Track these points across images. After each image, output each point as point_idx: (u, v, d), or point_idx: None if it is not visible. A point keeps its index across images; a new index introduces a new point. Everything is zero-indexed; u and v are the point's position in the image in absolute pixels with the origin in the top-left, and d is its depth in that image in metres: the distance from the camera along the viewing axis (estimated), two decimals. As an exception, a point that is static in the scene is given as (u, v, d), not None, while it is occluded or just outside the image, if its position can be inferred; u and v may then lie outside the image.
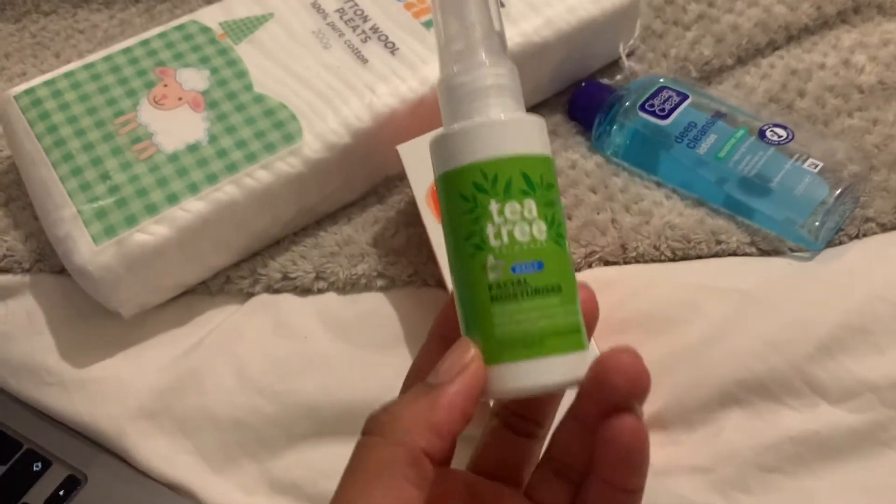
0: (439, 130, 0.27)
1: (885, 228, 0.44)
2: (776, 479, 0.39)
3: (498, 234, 0.26)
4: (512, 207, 0.26)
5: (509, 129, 0.27)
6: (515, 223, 0.26)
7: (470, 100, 0.27)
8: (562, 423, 0.28)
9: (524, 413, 0.30)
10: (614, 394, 0.25)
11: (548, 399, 0.30)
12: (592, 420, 0.25)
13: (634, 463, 0.25)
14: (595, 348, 0.26)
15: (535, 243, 0.26)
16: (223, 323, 0.44)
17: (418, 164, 0.43)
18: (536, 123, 0.27)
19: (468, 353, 0.25)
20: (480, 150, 0.26)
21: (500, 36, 0.28)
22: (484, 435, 0.30)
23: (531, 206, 0.26)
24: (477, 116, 0.27)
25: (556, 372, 0.26)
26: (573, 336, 0.26)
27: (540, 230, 0.26)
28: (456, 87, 0.27)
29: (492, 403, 0.31)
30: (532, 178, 0.26)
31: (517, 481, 0.29)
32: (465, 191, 0.26)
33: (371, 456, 0.24)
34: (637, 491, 0.26)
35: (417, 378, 0.27)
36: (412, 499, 0.23)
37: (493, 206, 0.26)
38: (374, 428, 0.24)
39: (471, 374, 0.25)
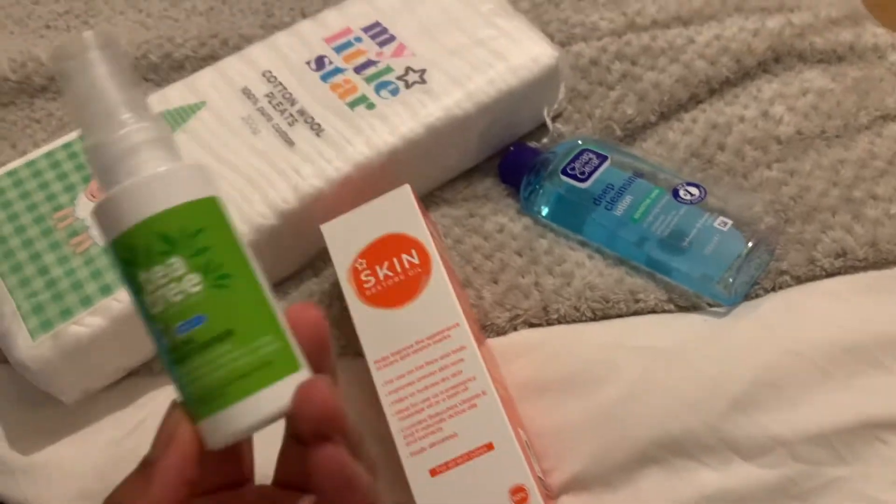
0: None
1: (799, 281, 0.46)
2: (692, 536, 0.40)
3: (154, 303, 0.26)
4: (156, 272, 0.26)
5: (139, 191, 0.26)
6: (165, 286, 0.26)
7: (109, 167, 0.26)
8: (284, 443, 0.29)
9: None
10: (306, 426, 0.26)
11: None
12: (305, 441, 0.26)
13: (336, 487, 0.26)
14: (307, 370, 0.27)
15: (189, 299, 0.26)
16: (165, 402, 0.46)
17: (341, 241, 0.45)
18: (176, 171, 0.27)
19: (171, 421, 0.26)
20: (120, 223, 0.26)
21: (139, 89, 0.28)
22: (281, 448, 0.31)
23: (176, 263, 0.26)
24: (114, 185, 0.26)
25: (250, 414, 0.26)
26: (262, 371, 0.26)
27: (192, 283, 0.26)
28: (95, 157, 0.27)
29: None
30: (170, 235, 0.26)
31: (242, 480, 0.30)
32: (120, 267, 0.26)
33: None
34: None
35: None
36: None
37: (142, 277, 0.26)
38: None
39: (179, 440, 0.26)
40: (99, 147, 0.27)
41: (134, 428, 0.45)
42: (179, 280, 0.26)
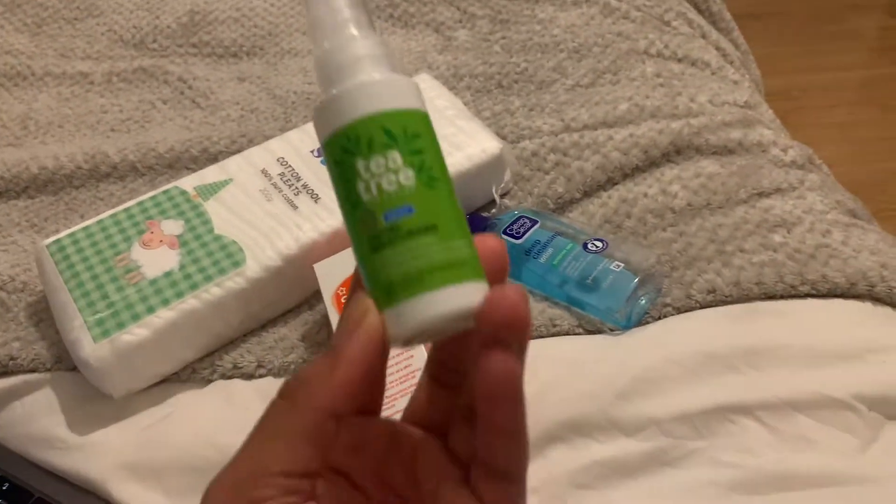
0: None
1: (678, 311, 0.59)
2: (587, 493, 0.51)
3: (367, 189, 0.27)
4: (376, 162, 0.27)
5: (367, 90, 0.28)
6: (381, 175, 0.27)
7: (337, 70, 0.29)
8: (420, 385, 0.31)
9: (447, 363, 0.31)
10: (490, 326, 0.26)
11: (461, 345, 0.30)
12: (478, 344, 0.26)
13: (501, 397, 0.26)
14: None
15: (402, 190, 0.27)
16: (188, 401, 0.59)
17: (328, 275, 0.60)
18: (399, 82, 0.29)
19: (361, 306, 0.27)
20: (345, 115, 0.28)
21: (366, 12, 0.31)
22: (416, 387, 0.32)
23: (395, 157, 0.27)
24: (341, 84, 0.29)
25: (445, 302, 0.26)
26: (460, 268, 0.27)
27: (407, 177, 0.27)
28: (325, 62, 0.29)
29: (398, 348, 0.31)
30: (393, 131, 0.27)
31: (443, 431, 0.31)
32: (337, 156, 0.28)
33: (274, 418, 0.27)
34: (510, 433, 0.28)
35: None
36: (307, 457, 0.26)
37: (360, 164, 0.27)
38: (284, 391, 0.27)
39: (366, 326, 0.26)
40: (331, 52, 0.29)
41: (162, 418, 0.58)
42: (396, 171, 0.27)
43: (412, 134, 0.28)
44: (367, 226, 0.27)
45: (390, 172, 0.27)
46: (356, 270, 0.29)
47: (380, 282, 0.27)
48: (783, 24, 2.09)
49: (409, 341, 0.28)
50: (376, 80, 0.29)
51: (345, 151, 0.28)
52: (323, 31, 0.30)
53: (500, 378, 0.26)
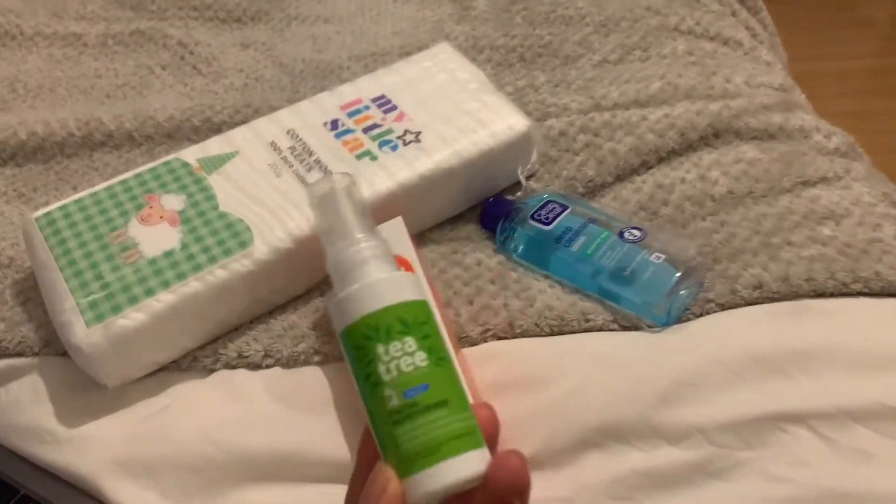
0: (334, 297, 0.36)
1: (722, 307, 0.55)
2: (625, 506, 0.47)
3: (388, 370, 0.32)
4: (394, 346, 0.33)
5: (383, 286, 0.35)
6: (400, 358, 0.32)
7: (352, 269, 0.36)
8: None
9: None
10: (498, 491, 0.31)
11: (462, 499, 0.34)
12: None
13: None
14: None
15: (418, 370, 0.32)
16: (188, 392, 0.54)
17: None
18: (405, 277, 0.36)
19: (383, 477, 0.31)
20: (365, 307, 0.34)
21: (368, 216, 0.38)
22: None
23: (410, 342, 0.33)
24: (358, 281, 0.35)
25: (459, 470, 0.32)
26: (468, 438, 0.32)
27: (421, 359, 0.32)
28: (340, 262, 0.36)
29: None
30: (408, 320, 0.33)
31: None
32: (358, 341, 0.33)
33: None
34: None
35: (352, 495, 0.34)
36: None
37: (380, 349, 0.33)
38: None
39: (390, 496, 0.30)
40: (344, 253, 0.36)
41: (160, 410, 0.53)
42: (412, 354, 0.33)
43: (421, 321, 0.34)
44: (388, 402, 0.32)
45: (406, 356, 0.33)
46: (368, 433, 0.35)
47: (402, 452, 0.32)
48: (795, 10, 2.04)
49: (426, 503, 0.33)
50: (388, 277, 0.35)
51: (366, 338, 0.33)
52: (335, 236, 0.38)
53: None
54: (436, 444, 0.31)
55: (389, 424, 0.32)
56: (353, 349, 0.34)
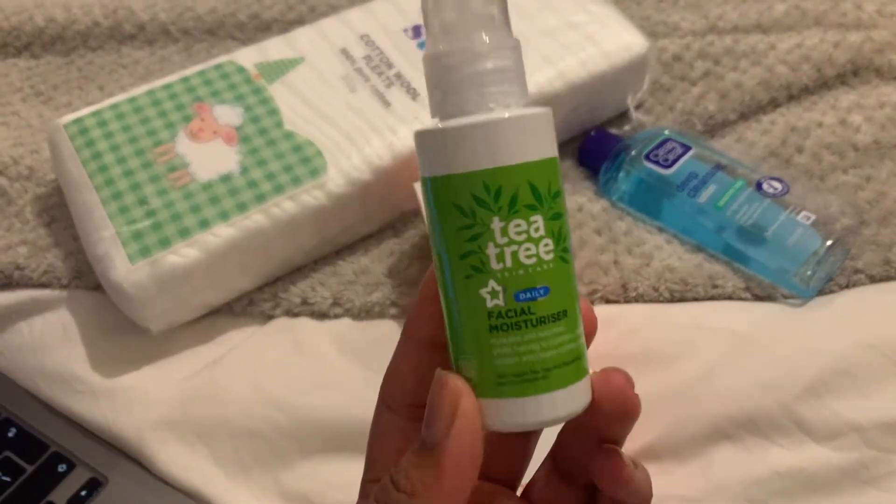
0: (429, 124, 0.24)
1: (873, 280, 0.47)
2: (762, 512, 0.40)
3: (500, 257, 0.23)
4: (517, 226, 0.23)
5: (516, 130, 0.23)
6: (521, 244, 0.23)
7: (466, 88, 0.23)
8: (562, 431, 0.28)
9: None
10: (603, 420, 0.25)
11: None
12: (589, 435, 0.26)
13: (625, 484, 0.26)
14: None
15: (541, 265, 0.23)
16: (244, 342, 0.47)
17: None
18: (543, 119, 0.23)
19: (453, 390, 0.23)
20: (482, 157, 0.22)
21: (501, 4, 0.24)
22: (540, 472, 0.30)
23: (538, 222, 0.23)
24: (476, 112, 0.23)
25: (560, 407, 0.24)
26: (576, 364, 0.24)
27: (547, 249, 0.23)
28: (447, 69, 0.23)
29: None
30: (539, 190, 0.23)
31: (511, 480, 0.29)
32: (463, 203, 0.23)
33: None
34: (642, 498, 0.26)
35: (392, 386, 0.27)
36: None
37: (496, 225, 0.22)
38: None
39: (466, 423, 0.23)
40: (453, 57, 0.23)
41: (213, 362, 0.46)
42: (537, 242, 0.23)
43: (554, 193, 0.23)
44: (488, 300, 0.23)
45: (531, 242, 0.23)
46: (423, 304, 0.25)
47: (492, 367, 0.23)
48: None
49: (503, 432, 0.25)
50: (524, 117, 0.23)
51: (477, 201, 0.22)
52: (443, 23, 0.23)
53: (622, 477, 0.26)
54: (543, 368, 0.23)
55: (483, 327, 0.23)
56: (451, 208, 0.23)
